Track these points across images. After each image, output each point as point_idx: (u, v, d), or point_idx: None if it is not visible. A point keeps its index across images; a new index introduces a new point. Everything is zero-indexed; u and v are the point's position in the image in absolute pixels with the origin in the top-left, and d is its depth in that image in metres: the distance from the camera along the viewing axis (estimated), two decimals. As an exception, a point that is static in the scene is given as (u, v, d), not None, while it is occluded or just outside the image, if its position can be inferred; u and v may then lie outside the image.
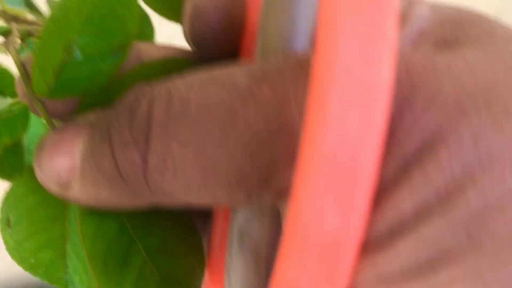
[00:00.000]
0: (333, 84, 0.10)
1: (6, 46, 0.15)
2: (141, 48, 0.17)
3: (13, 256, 0.16)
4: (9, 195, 0.16)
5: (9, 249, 0.16)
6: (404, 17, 0.13)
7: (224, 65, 0.14)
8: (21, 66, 0.15)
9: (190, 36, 0.16)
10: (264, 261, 0.14)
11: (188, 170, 0.13)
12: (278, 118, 0.12)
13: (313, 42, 0.14)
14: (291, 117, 0.12)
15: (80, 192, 0.14)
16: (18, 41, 0.16)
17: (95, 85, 0.15)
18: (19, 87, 0.16)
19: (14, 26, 0.17)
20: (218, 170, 0.12)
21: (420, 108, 0.10)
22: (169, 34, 0.24)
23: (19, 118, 0.15)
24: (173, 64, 0.16)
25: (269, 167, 0.12)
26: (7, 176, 0.21)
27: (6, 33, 0.16)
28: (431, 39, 0.13)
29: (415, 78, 0.11)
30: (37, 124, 0.22)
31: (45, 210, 0.16)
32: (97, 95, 0.15)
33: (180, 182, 0.13)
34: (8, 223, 0.16)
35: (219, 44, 0.16)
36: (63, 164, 0.14)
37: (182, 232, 0.16)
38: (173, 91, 0.13)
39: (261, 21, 0.14)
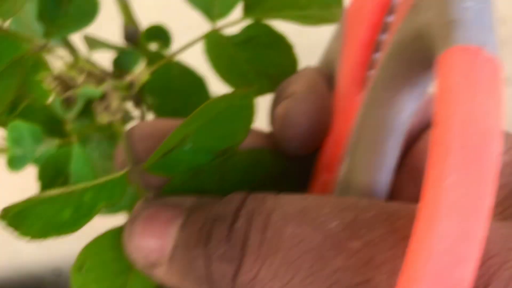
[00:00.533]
0: (423, 284, 0.11)
1: (111, 112, 0.17)
2: None
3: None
4: (90, 246, 0.17)
5: (74, 286, 0.18)
6: None
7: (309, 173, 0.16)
8: (126, 137, 0.17)
9: (278, 137, 0.18)
10: None
11: None
12: (364, 271, 0.13)
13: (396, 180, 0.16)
14: (377, 273, 0.13)
15: (165, 276, 0.16)
16: (120, 105, 0.17)
17: (190, 171, 0.17)
18: (119, 156, 0.18)
19: (109, 87, 0.18)
20: None
21: None
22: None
23: (118, 185, 0.17)
24: (260, 156, 0.18)
25: None
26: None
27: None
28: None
29: (491, 268, 0.12)
30: (83, 165, 0.24)
31: (117, 264, 0.18)
32: (188, 178, 0.17)
33: None
34: (81, 267, 0.17)
35: (304, 147, 0.18)
36: (153, 245, 0.16)
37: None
38: (270, 220, 0.14)
39: (352, 146, 0.16)
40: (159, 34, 0.23)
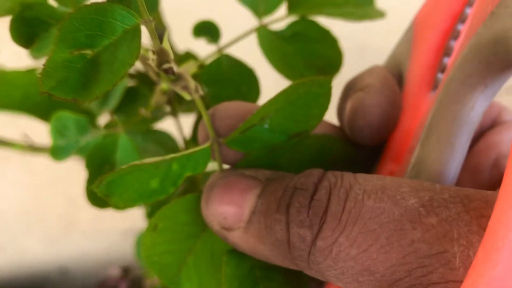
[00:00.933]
0: (503, 255, 0.12)
1: (191, 91, 0.18)
2: None
3: (143, 250, 0.19)
4: (166, 208, 0.19)
5: (145, 245, 0.19)
6: None
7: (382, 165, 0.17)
8: (209, 115, 0.18)
9: (348, 127, 0.19)
10: None
11: (348, 262, 0.15)
12: (440, 243, 0.14)
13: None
14: (453, 245, 0.14)
15: (240, 239, 0.17)
16: (197, 86, 0.19)
17: (265, 149, 0.19)
18: (202, 132, 0.19)
19: (182, 69, 0.19)
20: (375, 272, 0.14)
21: None
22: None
23: (202, 156, 0.18)
24: (330, 142, 0.20)
25: (422, 282, 0.14)
26: (98, 202, 0.24)
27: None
28: None
29: None
30: (129, 153, 0.25)
31: (188, 228, 0.19)
32: (262, 155, 0.19)
33: (336, 270, 0.15)
34: (155, 227, 0.19)
35: (373, 137, 0.19)
36: (231, 211, 0.17)
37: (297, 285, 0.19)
38: (350, 193, 0.15)
39: (424, 137, 0.17)
40: (208, 29, 0.25)
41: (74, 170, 0.63)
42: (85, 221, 0.68)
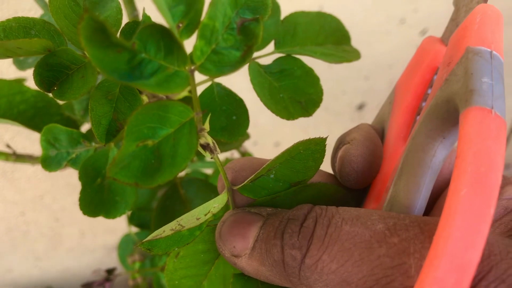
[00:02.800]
0: (442, 261, 0.15)
1: (212, 150, 0.21)
2: None
3: (166, 275, 0.22)
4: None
5: (167, 270, 0.22)
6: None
7: (363, 201, 0.21)
8: (225, 169, 0.21)
9: (339, 173, 0.23)
10: None
11: (330, 275, 0.18)
12: (400, 257, 0.17)
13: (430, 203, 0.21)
14: (409, 258, 0.17)
15: (246, 263, 0.21)
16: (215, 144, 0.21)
17: (269, 196, 0.22)
18: (220, 182, 0.22)
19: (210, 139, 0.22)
20: (351, 282, 0.18)
21: (492, 280, 0.16)
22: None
23: (219, 203, 0.21)
24: (324, 188, 0.23)
25: None
26: (90, 212, 0.26)
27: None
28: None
29: (492, 261, 0.16)
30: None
31: (204, 256, 0.23)
32: (267, 200, 0.22)
33: (321, 282, 0.19)
34: (177, 255, 0.22)
35: (359, 182, 0.23)
36: (239, 241, 0.21)
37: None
38: (332, 221, 0.19)
39: (396, 178, 0.21)
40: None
41: (58, 187, 0.60)
42: (69, 238, 0.67)
